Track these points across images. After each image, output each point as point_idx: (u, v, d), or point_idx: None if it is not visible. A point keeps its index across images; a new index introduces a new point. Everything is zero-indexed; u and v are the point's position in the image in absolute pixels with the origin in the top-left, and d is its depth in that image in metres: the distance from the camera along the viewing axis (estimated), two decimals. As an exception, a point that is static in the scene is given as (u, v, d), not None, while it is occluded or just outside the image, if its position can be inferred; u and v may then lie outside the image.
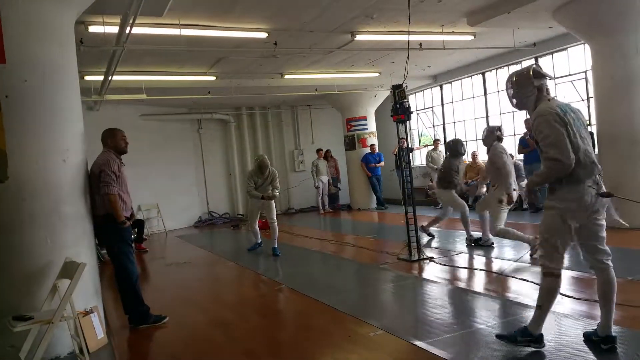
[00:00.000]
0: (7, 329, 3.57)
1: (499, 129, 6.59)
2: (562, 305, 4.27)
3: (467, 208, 7.49)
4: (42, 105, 4.15)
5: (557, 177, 3.14)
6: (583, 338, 3.46)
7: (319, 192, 14.11)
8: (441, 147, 13.02)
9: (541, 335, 3.35)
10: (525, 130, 9.79)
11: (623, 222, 3.45)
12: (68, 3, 4.46)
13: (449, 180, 7.49)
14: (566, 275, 5.27)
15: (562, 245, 3.22)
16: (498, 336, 3.48)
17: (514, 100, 3.46)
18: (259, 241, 8.58)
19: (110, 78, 8.47)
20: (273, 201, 8.12)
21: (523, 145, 9.81)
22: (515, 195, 6.26)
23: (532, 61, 10.81)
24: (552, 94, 3.42)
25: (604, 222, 3.26)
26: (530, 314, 3.74)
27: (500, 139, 6.50)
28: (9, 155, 3.98)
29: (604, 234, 3.28)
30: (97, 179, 4.53)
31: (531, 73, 3.34)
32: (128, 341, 4.60)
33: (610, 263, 3.29)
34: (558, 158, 3.05)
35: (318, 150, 14.39)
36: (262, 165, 7.95)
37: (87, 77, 9.20)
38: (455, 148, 7.54)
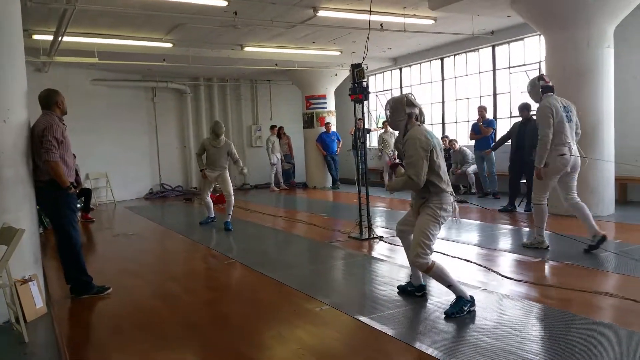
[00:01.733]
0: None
1: (541, 77, 5.59)
2: (502, 286, 4.45)
3: None
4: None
5: (413, 189, 3.83)
6: (398, 291, 4.32)
7: (273, 169, 14.10)
8: (391, 129, 13.09)
9: (471, 296, 3.85)
10: (478, 117, 10.02)
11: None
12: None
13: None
14: (507, 258, 5.50)
15: (433, 239, 3.81)
16: (447, 315, 3.73)
17: (389, 120, 4.00)
18: (212, 216, 8.47)
19: (60, 39, 8.07)
20: (228, 174, 8.02)
21: (475, 131, 10.04)
22: (567, 160, 5.32)
23: (490, 49, 11.04)
24: (420, 121, 3.92)
25: None
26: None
27: (547, 89, 5.47)
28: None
29: None
30: (38, 144, 4.30)
31: (404, 101, 3.86)
32: (69, 311, 4.46)
33: None
34: (413, 178, 3.67)
35: (272, 127, 14.30)
36: (216, 129, 7.81)
37: (35, 36, 8.75)
38: None
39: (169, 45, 10.13)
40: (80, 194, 9.59)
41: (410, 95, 3.95)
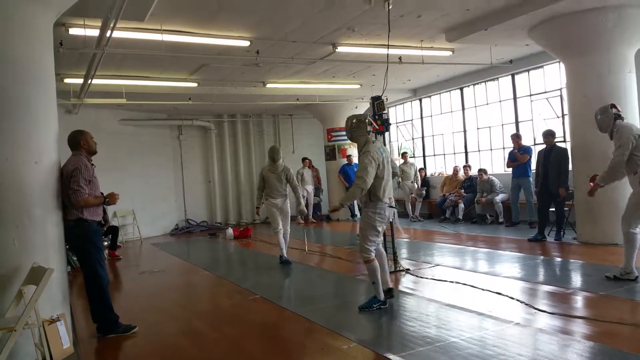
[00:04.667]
0: (-33, 336, 3.44)
1: (614, 105, 5.58)
2: (537, 320, 4.29)
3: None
4: (16, 103, 4.05)
5: (358, 197, 4.77)
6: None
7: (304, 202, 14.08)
8: (411, 160, 13.07)
9: (385, 298, 4.87)
10: (513, 144, 9.83)
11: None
12: (47, 3, 4.38)
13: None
14: (540, 290, 5.33)
15: (374, 240, 4.80)
16: (360, 308, 4.82)
17: (351, 135, 4.95)
18: (284, 253, 7.68)
19: (89, 81, 8.36)
20: (288, 206, 7.74)
21: (512, 159, 9.84)
22: None
23: (509, 78, 11.00)
24: (376, 138, 5.10)
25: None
26: (504, 327, 3.78)
27: (619, 117, 5.48)
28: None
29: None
30: (67, 184, 4.41)
31: (367, 121, 4.86)
32: (95, 351, 4.47)
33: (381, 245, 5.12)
34: (359, 181, 4.60)
35: (304, 159, 14.30)
36: (273, 153, 7.62)
37: (66, 80, 9.09)
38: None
39: (194, 84, 10.40)
40: (108, 231, 9.75)
41: (370, 116, 5.00)
